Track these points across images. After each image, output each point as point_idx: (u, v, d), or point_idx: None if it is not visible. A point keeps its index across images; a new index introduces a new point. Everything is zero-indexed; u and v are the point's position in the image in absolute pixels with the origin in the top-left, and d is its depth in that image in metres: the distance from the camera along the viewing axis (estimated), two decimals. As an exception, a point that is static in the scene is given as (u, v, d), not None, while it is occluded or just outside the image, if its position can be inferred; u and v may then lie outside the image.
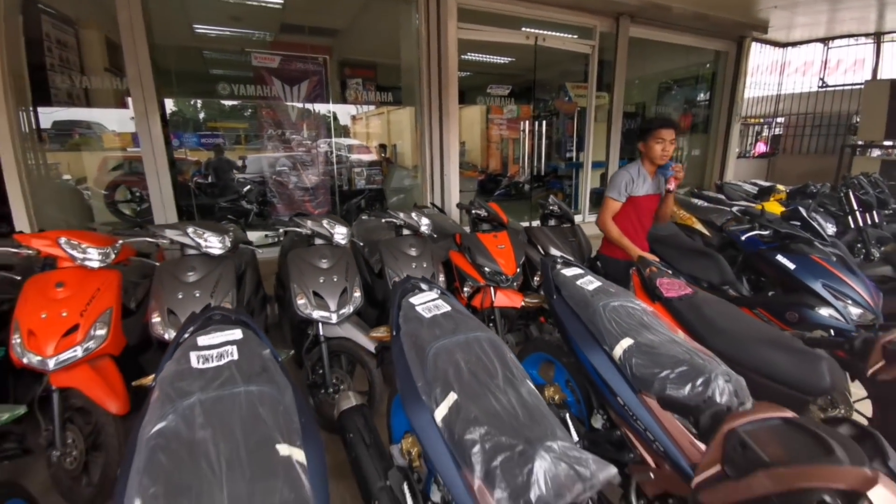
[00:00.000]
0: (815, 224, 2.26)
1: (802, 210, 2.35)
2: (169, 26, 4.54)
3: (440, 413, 1.16)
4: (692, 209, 4.48)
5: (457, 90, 4.74)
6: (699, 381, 1.28)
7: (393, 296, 1.61)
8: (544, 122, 7.28)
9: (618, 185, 2.61)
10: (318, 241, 2.49)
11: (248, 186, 5.08)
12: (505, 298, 2.69)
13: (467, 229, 3.27)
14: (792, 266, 2.20)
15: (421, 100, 4.70)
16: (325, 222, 2.46)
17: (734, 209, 3.85)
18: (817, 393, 1.43)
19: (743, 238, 2.44)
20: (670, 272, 2.21)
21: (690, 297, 1.94)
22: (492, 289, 2.71)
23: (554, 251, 2.99)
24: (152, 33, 3.64)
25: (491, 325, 2.74)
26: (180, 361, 1.15)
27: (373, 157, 6.78)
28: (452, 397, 1.17)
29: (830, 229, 4.41)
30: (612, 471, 0.97)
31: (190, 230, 2.17)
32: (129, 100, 3.68)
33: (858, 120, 6.47)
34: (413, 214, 2.74)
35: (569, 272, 1.89)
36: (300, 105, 4.63)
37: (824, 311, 2.09)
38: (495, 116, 8.93)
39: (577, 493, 0.92)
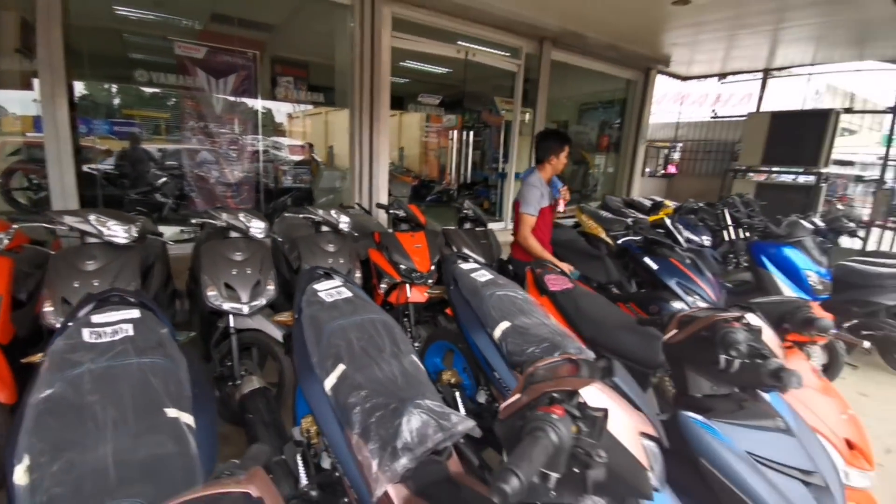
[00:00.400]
0: (675, 233, 2.68)
1: (667, 221, 2.79)
2: (87, 6, 4.27)
3: (329, 382, 1.30)
4: (598, 220, 4.99)
5: (388, 96, 4.90)
6: (556, 355, 1.54)
7: (299, 282, 1.72)
8: (472, 133, 7.65)
9: (532, 201, 2.88)
10: (234, 235, 2.52)
11: (164, 179, 4.86)
12: (418, 294, 2.87)
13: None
14: (655, 266, 2.60)
15: (353, 103, 4.80)
16: (241, 216, 2.50)
17: (629, 220, 4.37)
18: (653, 366, 1.74)
19: (619, 242, 2.84)
20: (559, 270, 2.52)
21: (570, 290, 2.25)
22: (407, 285, 2.88)
23: (466, 251, 3.23)
24: (69, 13, 3.44)
25: (405, 319, 2.91)
26: (72, 336, 1.18)
27: (304, 156, 6.73)
28: (341, 368, 1.31)
29: (707, 241, 5.09)
30: (471, 423, 1.14)
31: (91, 217, 2.09)
32: (36, 81, 3.43)
33: (740, 147, 7.49)
34: (332, 212, 2.85)
35: (466, 266, 2.11)
36: (230, 98, 4.53)
37: (677, 305, 2.50)
38: (433, 125, 9.20)
39: (437, 440, 1.09)
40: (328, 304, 1.58)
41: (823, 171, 6.26)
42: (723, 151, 8.34)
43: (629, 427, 0.75)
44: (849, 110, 6.48)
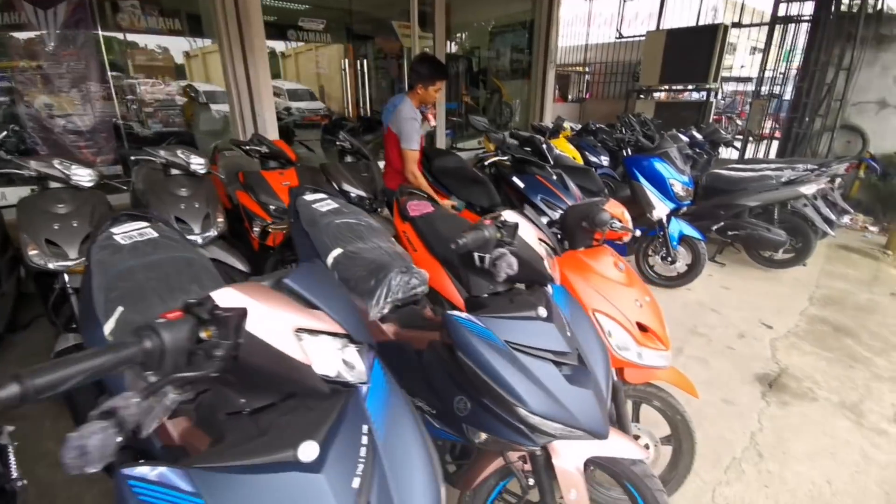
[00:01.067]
0: (543, 149, 2.70)
1: (537, 139, 2.79)
2: None
3: (107, 328, 1.19)
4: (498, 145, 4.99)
5: (261, 22, 4.38)
6: (381, 275, 1.51)
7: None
8: (371, 63, 7.14)
9: (412, 134, 2.76)
10: (175, 172, 2.49)
11: (4, 132, 4.16)
12: (291, 234, 2.73)
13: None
14: (521, 185, 2.63)
15: (220, 31, 4.24)
16: (179, 152, 2.46)
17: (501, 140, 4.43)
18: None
19: (486, 163, 2.83)
20: (425, 196, 2.47)
21: (429, 214, 2.21)
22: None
23: (347, 186, 3.09)
24: None
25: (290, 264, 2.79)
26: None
27: (180, 98, 6.02)
28: (119, 311, 1.20)
29: (605, 161, 5.26)
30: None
31: (56, 161, 2.20)
32: None
33: (641, 68, 7.63)
34: (179, 152, 2.57)
35: (311, 197, 1.99)
36: (65, 32, 3.84)
37: (543, 220, 2.57)
38: (351, 57, 8.47)
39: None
40: (123, 247, 1.43)
41: (712, 86, 6.56)
42: (627, 73, 8.47)
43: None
44: (736, 24, 6.69)
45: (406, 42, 5.98)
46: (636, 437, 1.65)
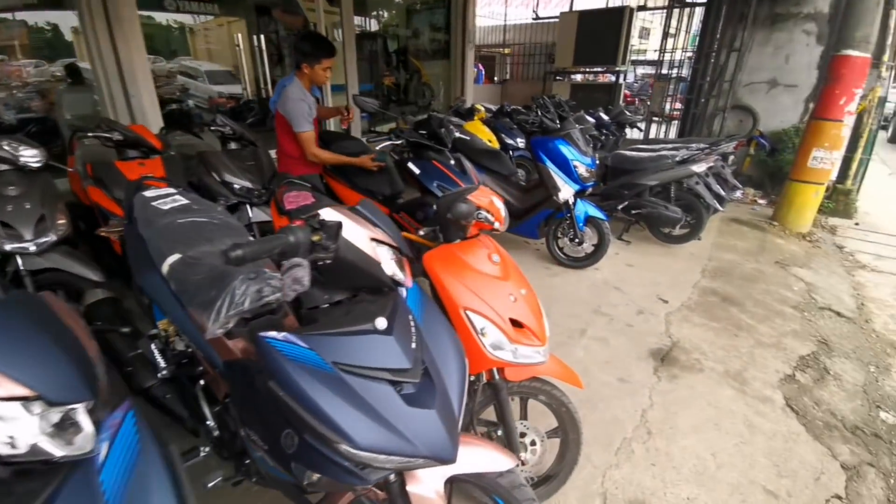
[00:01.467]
0: (441, 133, 2.56)
1: (433, 122, 2.64)
2: None
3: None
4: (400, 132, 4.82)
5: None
6: (223, 283, 1.29)
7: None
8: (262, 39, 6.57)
9: (303, 117, 2.58)
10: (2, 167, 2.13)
11: None
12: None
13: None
14: (417, 171, 2.49)
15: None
16: (5, 143, 2.11)
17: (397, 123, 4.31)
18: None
19: (378, 148, 2.65)
20: (307, 186, 2.24)
21: (308, 206, 1.99)
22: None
23: (229, 177, 2.77)
24: None
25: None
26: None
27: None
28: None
29: (521, 143, 5.26)
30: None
31: (4, 143, 2.09)
32: None
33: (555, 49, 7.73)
34: (5, 143, 2.12)
35: (151, 193, 1.70)
36: None
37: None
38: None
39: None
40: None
41: (622, 68, 6.79)
42: (545, 54, 8.57)
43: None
44: (642, 7, 6.93)
45: (311, 17, 5.54)
46: (522, 435, 1.59)
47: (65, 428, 0.63)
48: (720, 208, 3.95)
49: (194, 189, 2.82)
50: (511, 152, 5.16)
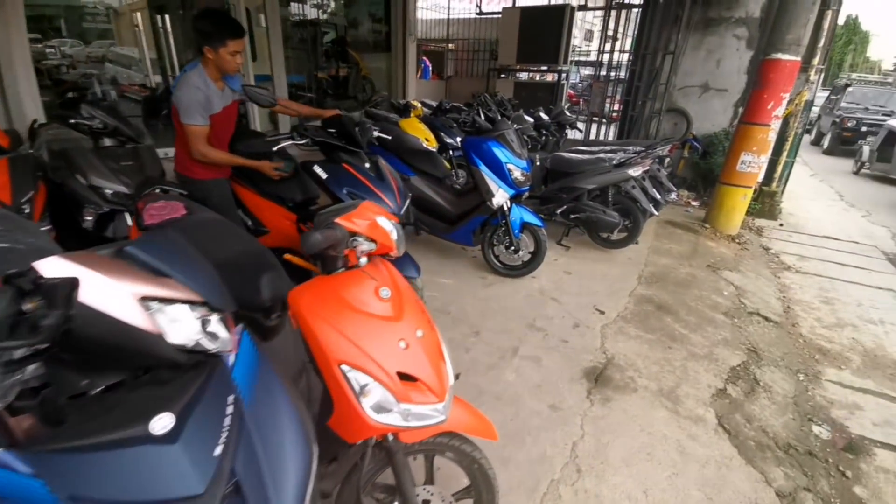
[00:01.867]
0: (354, 132, 2.25)
1: (346, 119, 2.33)
2: None
3: None
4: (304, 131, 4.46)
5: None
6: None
7: None
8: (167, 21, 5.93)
9: (192, 106, 2.16)
10: None
11: None
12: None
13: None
14: (324, 175, 2.17)
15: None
16: None
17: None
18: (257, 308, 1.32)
19: (275, 149, 2.30)
20: (181, 193, 1.87)
21: (176, 220, 1.62)
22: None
23: (99, 180, 2.31)
24: None
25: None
26: None
27: None
28: None
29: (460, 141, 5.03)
30: None
31: None
32: None
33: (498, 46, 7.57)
34: None
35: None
36: None
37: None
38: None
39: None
40: None
41: (563, 68, 6.73)
42: (489, 50, 8.40)
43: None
44: (582, 7, 6.91)
45: (230, -1, 5.01)
46: (425, 503, 1.33)
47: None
48: (655, 213, 3.91)
49: (58, 193, 2.35)
50: (451, 152, 4.91)
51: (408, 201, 2.33)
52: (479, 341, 2.67)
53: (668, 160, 5.15)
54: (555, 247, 4.17)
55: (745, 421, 2.27)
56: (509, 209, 3.26)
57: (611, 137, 6.56)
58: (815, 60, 5.35)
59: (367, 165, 2.27)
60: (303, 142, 2.16)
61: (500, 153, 3.10)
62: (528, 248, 3.39)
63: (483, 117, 5.23)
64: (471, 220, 3.37)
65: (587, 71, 11.59)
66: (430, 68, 9.49)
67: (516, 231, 3.29)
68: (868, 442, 2.32)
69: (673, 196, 4.76)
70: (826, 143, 11.80)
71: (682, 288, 3.57)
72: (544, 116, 4.59)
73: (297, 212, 2.59)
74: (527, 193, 3.41)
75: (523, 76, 8.62)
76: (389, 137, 3.29)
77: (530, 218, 3.28)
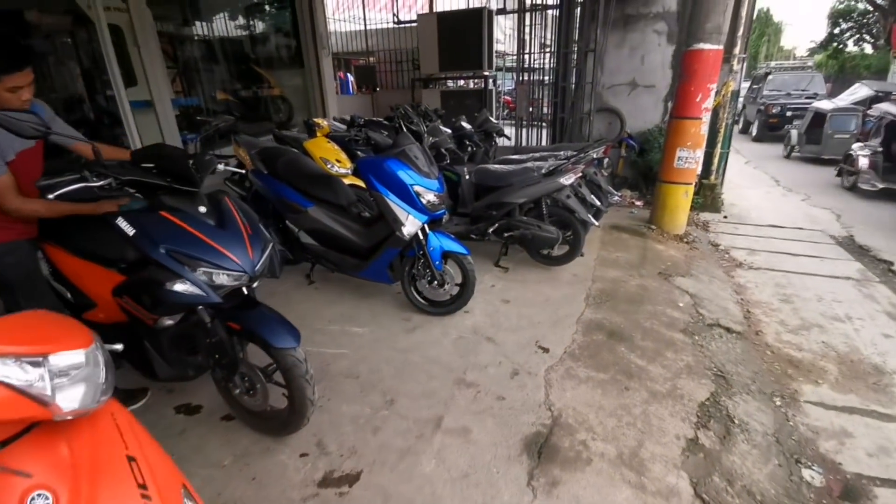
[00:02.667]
0: (188, 165, 1.62)
1: (170, 151, 1.70)
2: None
3: None
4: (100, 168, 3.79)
5: None
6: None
7: None
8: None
9: None
10: None
11: None
12: None
13: None
14: (130, 231, 1.53)
15: None
16: None
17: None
18: None
19: (56, 194, 1.63)
20: None
21: None
22: None
23: None
24: None
25: None
26: None
27: None
28: None
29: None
30: None
31: None
32: None
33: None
34: None
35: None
36: None
37: (180, 287, 1.51)
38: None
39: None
40: None
41: (489, 73, 6.37)
42: (410, 60, 7.97)
43: None
44: (501, 11, 6.61)
45: (89, 13, 4.22)
46: None
47: None
48: (595, 223, 3.50)
49: None
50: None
51: (267, 252, 1.73)
52: (393, 414, 2.09)
53: (606, 161, 4.83)
54: (492, 269, 3.68)
55: (725, 484, 1.80)
56: (426, 237, 2.72)
57: (545, 143, 6.23)
58: (737, 50, 5.25)
59: (204, 210, 1.64)
60: (99, 183, 1.52)
61: (405, 174, 2.56)
62: (455, 280, 2.86)
63: (353, 134, 4.66)
64: (381, 254, 2.80)
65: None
66: (351, 82, 8.91)
67: (437, 262, 2.75)
68: (866, 481, 1.92)
69: (616, 198, 4.42)
70: (754, 130, 12.21)
71: (634, 305, 3.15)
72: (466, 125, 4.14)
73: (129, 274, 1.91)
74: (445, 217, 2.89)
75: (451, 84, 8.25)
76: (242, 171, 2.68)
77: (452, 245, 2.75)
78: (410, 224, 2.61)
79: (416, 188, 2.56)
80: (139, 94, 4.70)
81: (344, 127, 4.92)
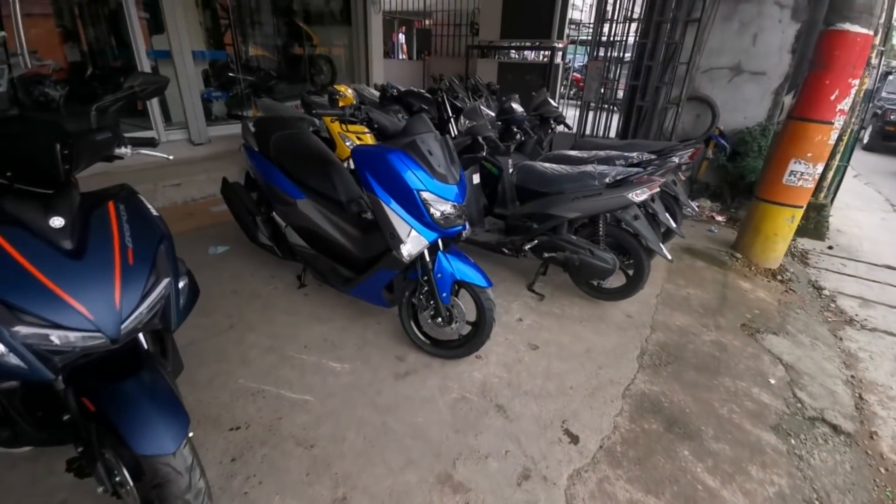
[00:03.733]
0: (36, 150, 1.05)
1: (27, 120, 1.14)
2: None
3: None
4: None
5: None
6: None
7: None
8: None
9: None
10: None
11: None
12: None
13: None
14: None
15: None
16: None
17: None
18: None
19: None
20: None
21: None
22: None
23: None
24: None
25: None
26: None
27: None
28: None
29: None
30: None
31: None
32: None
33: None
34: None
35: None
36: None
37: None
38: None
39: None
40: None
41: (557, 45, 5.39)
42: (468, 24, 7.04)
43: None
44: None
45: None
46: None
47: None
48: (667, 257, 2.65)
49: None
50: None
51: (154, 297, 1.14)
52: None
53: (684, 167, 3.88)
54: (523, 294, 2.96)
55: None
56: (434, 258, 2.04)
57: (613, 134, 5.24)
58: (877, 40, 4.00)
59: (60, 224, 1.07)
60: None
61: (411, 175, 1.87)
62: (466, 317, 2.18)
63: (349, 112, 3.95)
64: (374, 274, 2.17)
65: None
66: (402, 45, 8.12)
67: (445, 294, 2.07)
68: None
69: (691, 210, 3.49)
70: (865, 137, 10.29)
71: (707, 375, 2.35)
72: (517, 108, 3.33)
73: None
74: (466, 232, 2.19)
75: (515, 55, 7.28)
76: (285, 137, 2.10)
77: (467, 274, 2.05)
78: (412, 242, 1.94)
79: (425, 195, 1.87)
80: (163, 43, 4.27)
81: (377, 96, 4.25)
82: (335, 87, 3.61)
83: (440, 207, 1.91)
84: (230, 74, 5.18)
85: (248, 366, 2.17)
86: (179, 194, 4.05)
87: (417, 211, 1.90)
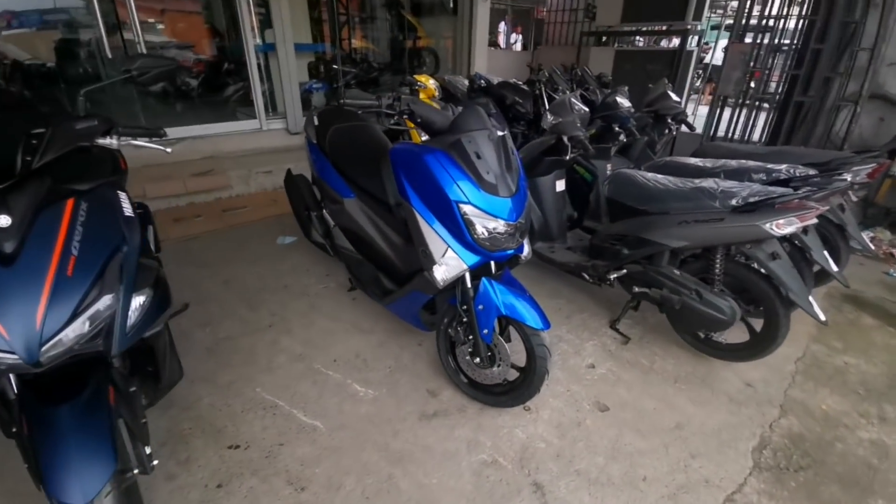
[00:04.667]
0: None
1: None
2: None
3: None
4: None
5: None
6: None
7: None
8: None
9: None
10: None
11: None
12: None
13: None
14: None
15: None
16: None
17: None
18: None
19: None
20: None
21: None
22: None
23: None
24: None
25: None
26: None
27: None
28: None
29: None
30: None
31: None
32: None
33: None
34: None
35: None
36: None
37: None
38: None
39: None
40: None
41: (692, 27, 4.45)
42: (585, 8, 6.26)
43: None
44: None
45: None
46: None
47: None
48: (821, 318, 1.87)
49: None
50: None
51: (89, 314, 0.94)
52: None
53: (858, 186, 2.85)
54: (602, 331, 2.40)
55: None
56: (475, 286, 1.64)
57: (758, 139, 4.18)
58: None
59: (5, 223, 0.91)
60: None
61: (451, 183, 1.48)
62: (510, 362, 1.74)
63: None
64: (406, 294, 1.84)
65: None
66: (507, 33, 7.54)
67: (486, 330, 1.66)
68: None
69: (863, 246, 2.56)
70: None
71: (855, 495, 1.60)
72: (623, 102, 2.70)
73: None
74: (525, 255, 1.74)
75: (640, 42, 6.34)
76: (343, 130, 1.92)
77: (517, 311, 1.61)
78: (448, 265, 1.57)
79: (466, 208, 1.48)
80: (272, 37, 4.44)
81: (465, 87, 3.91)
82: (415, 76, 3.35)
83: (487, 224, 1.51)
84: (334, 66, 5.26)
85: (271, 373, 2.01)
86: (270, 181, 4.17)
87: (457, 227, 1.51)
